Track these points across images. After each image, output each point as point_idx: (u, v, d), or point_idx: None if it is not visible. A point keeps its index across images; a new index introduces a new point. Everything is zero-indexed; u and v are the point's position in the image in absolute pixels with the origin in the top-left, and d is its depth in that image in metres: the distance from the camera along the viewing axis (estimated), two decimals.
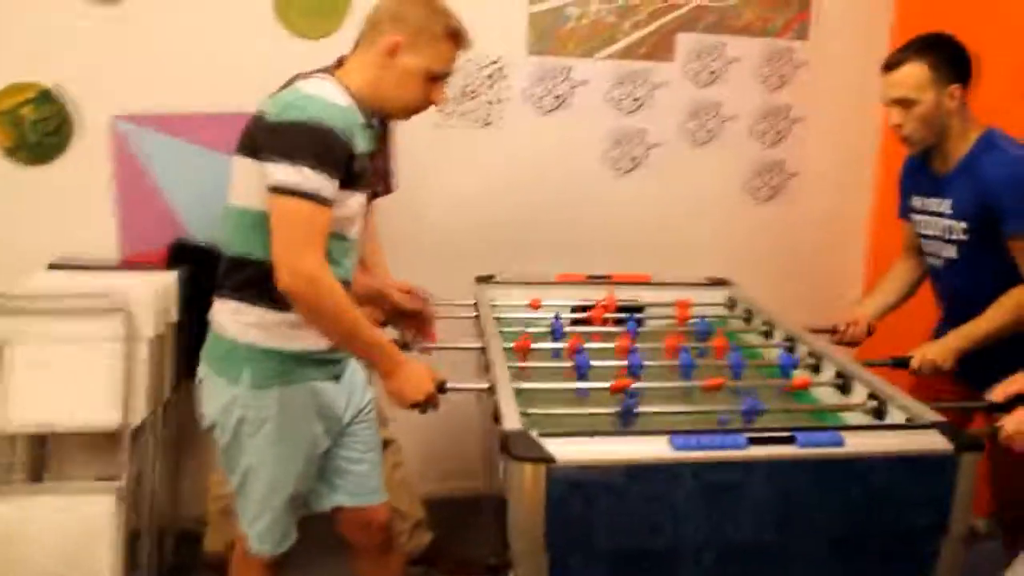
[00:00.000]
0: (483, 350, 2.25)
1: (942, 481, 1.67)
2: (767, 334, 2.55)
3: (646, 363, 2.17)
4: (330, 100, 1.78)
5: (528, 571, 1.58)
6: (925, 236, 2.42)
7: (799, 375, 2.23)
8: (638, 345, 2.30)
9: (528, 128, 3.31)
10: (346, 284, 1.92)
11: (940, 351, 2.25)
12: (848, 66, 3.54)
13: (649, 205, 3.48)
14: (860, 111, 3.59)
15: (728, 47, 3.43)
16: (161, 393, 2.81)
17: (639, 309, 2.75)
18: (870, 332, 2.56)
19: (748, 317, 2.70)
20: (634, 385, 2.01)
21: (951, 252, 2.33)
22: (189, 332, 2.83)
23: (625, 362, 2.19)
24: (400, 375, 1.87)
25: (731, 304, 2.84)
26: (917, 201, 2.44)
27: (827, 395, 2.14)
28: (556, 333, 2.46)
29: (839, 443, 1.64)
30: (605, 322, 2.62)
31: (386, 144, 2.75)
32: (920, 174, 2.43)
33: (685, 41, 3.38)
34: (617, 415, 1.87)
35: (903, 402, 1.89)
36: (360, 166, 1.85)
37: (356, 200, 1.89)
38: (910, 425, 1.78)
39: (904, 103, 2.22)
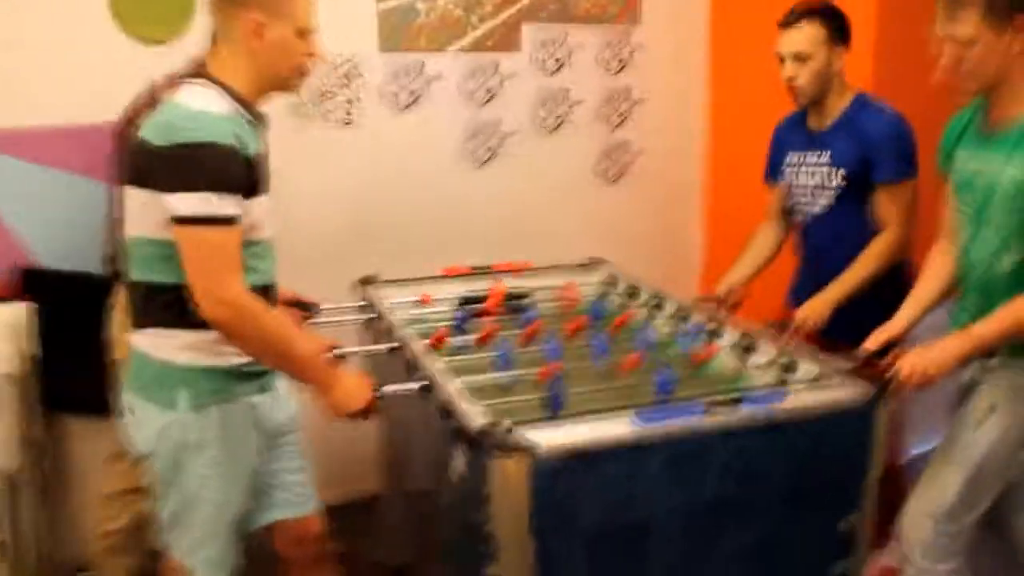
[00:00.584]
0: (398, 349, 2.22)
1: (866, 423, 1.83)
2: (657, 307, 2.66)
3: (561, 348, 2.22)
4: (216, 113, 1.70)
5: (514, 558, 1.59)
6: (800, 188, 2.62)
7: (703, 344, 2.36)
8: (541, 331, 2.36)
9: (387, 125, 3.27)
10: (269, 288, 1.85)
11: (815, 310, 2.41)
12: (677, 47, 3.75)
13: (509, 194, 3.53)
14: (690, 90, 3.81)
15: (570, 35, 3.53)
16: (32, 435, 2.57)
17: (526, 295, 2.79)
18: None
19: (633, 293, 2.80)
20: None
21: (825, 200, 2.54)
22: (52, 368, 2.62)
23: (538, 348, 2.24)
24: (337, 387, 1.83)
25: (612, 282, 2.94)
26: (794, 157, 2.65)
27: (733, 360, 2.27)
28: (460, 326, 2.46)
29: (780, 399, 1.75)
30: (500, 311, 2.65)
31: None
32: (796, 132, 2.65)
33: (530, 31, 3.45)
34: (547, 399, 1.90)
35: (807, 358, 2.05)
36: (260, 169, 1.79)
37: (262, 204, 1.81)
38: (828, 377, 1.91)
39: (800, 57, 2.42)
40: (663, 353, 2.30)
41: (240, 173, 1.70)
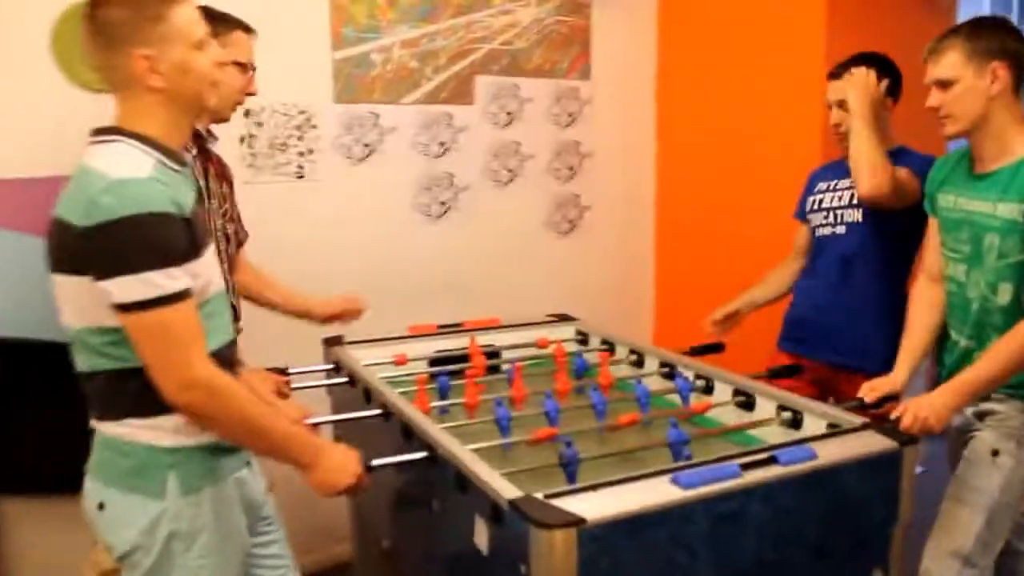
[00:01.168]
0: (386, 415, 2.08)
1: (893, 475, 1.79)
2: (638, 363, 2.60)
3: (558, 408, 2.13)
4: (140, 177, 1.49)
5: None
6: (822, 209, 2.67)
7: (696, 399, 2.30)
8: (529, 391, 2.26)
9: (341, 178, 3.15)
10: (230, 346, 1.71)
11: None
12: (625, 102, 3.76)
13: (464, 248, 3.45)
14: (638, 144, 3.83)
15: (522, 88, 3.50)
16: None
17: (496, 354, 2.69)
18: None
19: (610, 348, 2.73)
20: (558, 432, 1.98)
21: (856, 216, 2.58)
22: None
23: (534, 411, 2.14)
24: (323, 462, 1.68)
25: (583, 338, 2.87)
26: (822, 184, 2.71)
27: (731, 413, 2.21)
28: (443, 389, 2.34)
29: (813, 456, 1.70)
30: (481, 371, 2.54)
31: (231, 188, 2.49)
32: (831, 169, 2.72)
33: (483, 84, 3.41)
34: (561, 465, 1.80)
35: (811, 408, 2.02)
36: (200, 222, 1.62)
37: (207, 261, 1.63)
38: (850, 430, 1.87)
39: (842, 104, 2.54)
40: (659, 409, 2.23)
41: (181, 239, 1.51)
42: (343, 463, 1.70)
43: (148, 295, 1.45)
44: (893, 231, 2.52)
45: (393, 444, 2.02)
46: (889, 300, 2.53)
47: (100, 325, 1.53)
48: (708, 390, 2.32)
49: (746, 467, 1.64)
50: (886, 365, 2.24)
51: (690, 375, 2.37)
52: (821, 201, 2.67)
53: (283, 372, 2.33)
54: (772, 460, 1.67)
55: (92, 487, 1.64)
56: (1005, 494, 2.05)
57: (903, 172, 2.43)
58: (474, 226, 3.46)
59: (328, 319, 2.53)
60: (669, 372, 2.46)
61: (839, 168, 2.66)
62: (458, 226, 3.42)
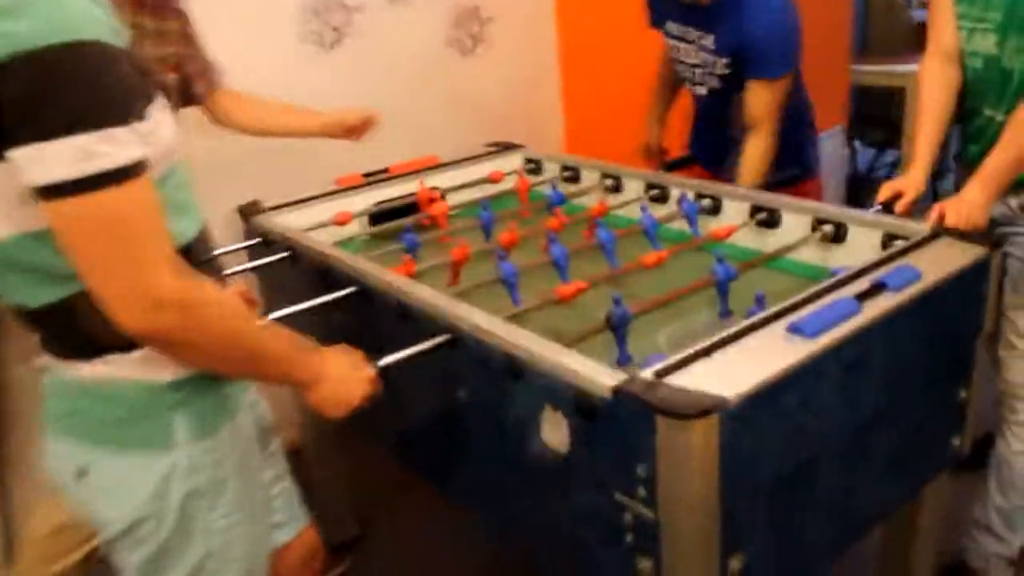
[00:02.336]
0: (362, 295, 1.67)
1: (982, 283, 1.57)
2: (616, 188, 2.26)
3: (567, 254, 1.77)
4: None
5: (690, 539, 1.18)
6: (683, 65, 2.31)
7: (705, 222, 2.00)
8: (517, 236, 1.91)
9: (213, 4, 2.53)
10: (203, 235, 1.25)
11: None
12: None
13: (364, 80, 2.92)
14: None
15: None
16: None
17: (442, 197, 2.29)
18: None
19: (574, 174, 2.37)
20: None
21: (712, 84, 2.27)
22: None
23: (533, 260, 1.79)
24: (329, 378, 1.28)
25: (535, 166, 2.49)
26: (674, 27, 2.29)
27: (753, 235, 1.92)
28: (411, 247, 1.92)
29: (918, 276, 1.43)
30: (445, 218, 2.14)
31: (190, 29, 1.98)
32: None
33: None
34: (611, 328, 1.46)
35: (852, 217, 1.77)
36: (142, 69, 1.09)
37: (161, 118, 1.12)
38: (923, 241, 1.62)
39: None
40: (674, 243, 1.91)
41: (131, 81, 1.02)
42: (351, 372, 1.31)
43: (84, 171, 0.96)
44: None
45: (382, 330, 1.63)
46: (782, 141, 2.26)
47: (31, 230, 1.04)
48: (715, 210, 2.02)
49: (861, 300, 1.35)
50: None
51: (689, 195, 2.05)
52: (678, 50, 2.30)
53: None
54: (880, 287, 1.39)
55: (64, 449, 1.20)
56: None
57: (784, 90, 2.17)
58: (373, 53, 2.93)
59: (349, 133, 2.20)
60: (661, 194, 2.13)
61: (688, 9, 2.21)
62: (355, 55, 2.88)
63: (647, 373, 1.18)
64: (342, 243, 2.03)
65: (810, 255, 1.81)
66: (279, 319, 1.59)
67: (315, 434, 2.29)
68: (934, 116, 1.99)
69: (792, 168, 2.27)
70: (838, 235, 1.79)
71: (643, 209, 1.91)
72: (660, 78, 2.49)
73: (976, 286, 1.54)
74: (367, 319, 1.69)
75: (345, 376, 1.30)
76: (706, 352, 1.23)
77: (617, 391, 1.16)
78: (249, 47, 2.62)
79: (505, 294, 1.66)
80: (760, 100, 2.16)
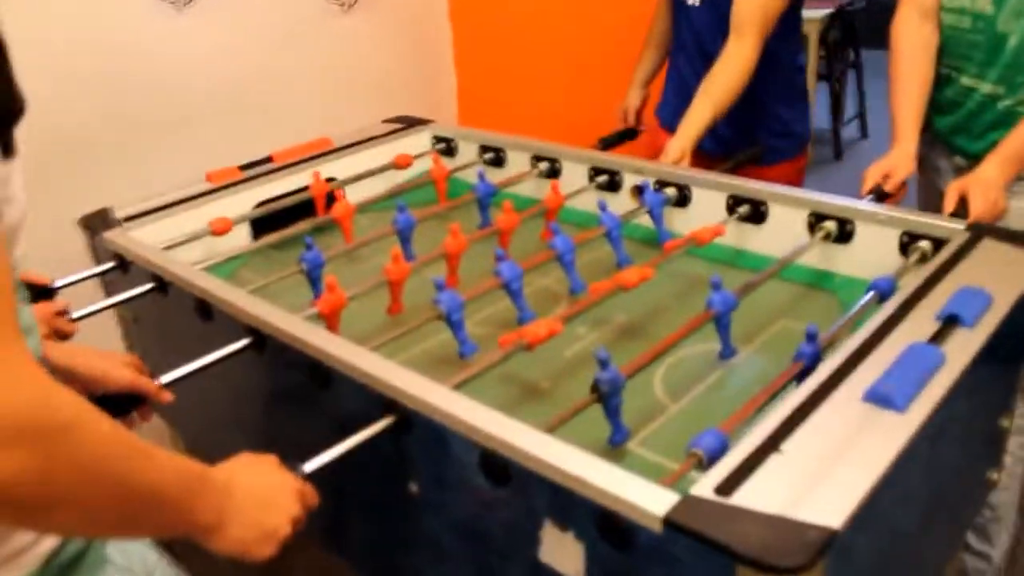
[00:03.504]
0: (257, 345, 1.25)
1: None
2: (553, 174, 1.88)
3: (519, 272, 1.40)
4: None
5: None
6: None
7: (682, 218, 1.66)
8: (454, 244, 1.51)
9: None
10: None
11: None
12: None
13: (229, 43, 2.43)
14: None
15: None
16: None
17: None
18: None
19: (499, 160, 1.98)
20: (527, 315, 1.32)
21: None
22: None
23: (474, 277, 1.41)
24: (242, 510, 0.86)
25: (448, 146, 2.08)
26: None
27: (737, 232, 1.60)
28: (313, 267, 1.50)
29: (989, 301, 1.13)
30: (347, 221, 1.72)
31: None
32: None
33: None
34: (599, 399, 1.10)
35: (858, 211, 1.46)
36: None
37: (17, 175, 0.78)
38: (966, 245, 1.32)
39: None
40: (645, 245, 1.57)
41: None
42: (269, 489, 0.90)
43: None
44: None
45: (296, 400, 1.22)
46: (777, 78, 1.96)
47: None
48: (683, 201, 1.68)
49: (937, 340, 1.04)
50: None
51: (647, 181, 1.70)
52: None
53: (48, 293, 1.37)
54: (953, 321, 1.08)
55: None
56: None
57: None
58: (236, 11, 2.43)
59: None
60: (611, 180, 1.78)
61: None
62: (214, 13, 2.38)
63: (705, 490, 0.83)
64: (223, 264, 1.59)
65: (807, 255, 1.50)
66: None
67: None
68: (916, 80, 1.72)
69: (778, 140, 1.94)
70: (843, 233, 1.47)
71: (602, 208, 1.54)
72: (649, 31, 2.20)
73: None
74: (275, 382, 1.27)
75: (264, 498, 0.89)
76: (772, 444, 0.89)
77: (671, 523, 0.80)
78: (86, 7, 2.09)
79: (447, 333, 1.28)
80: (754, 3, 1.80)
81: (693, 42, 2.00)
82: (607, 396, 1.08)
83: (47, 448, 0.61)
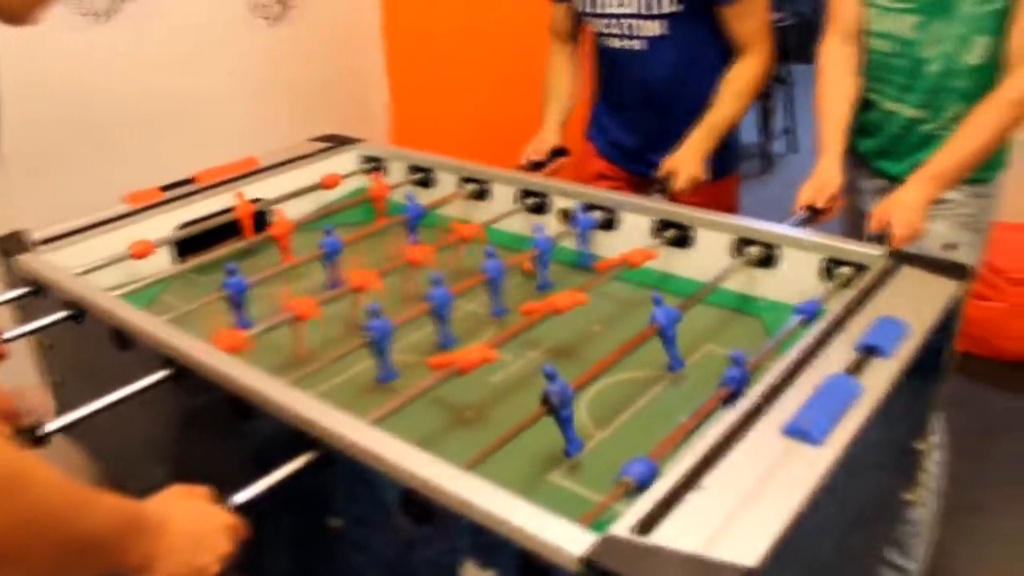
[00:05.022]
0: (176, 377, 1.22)
1: (952, 320, 1.32)
2: (481, 194, 1.88)
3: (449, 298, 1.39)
4: None
5: None
6: (609, 18, 1.92)
7: (608, 241, 1.67)
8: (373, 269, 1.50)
9: None
10: None
11: (691, 163, 1.82)
12: None
13: (150, 57, 2.38)
14: None
15: None
16: None
17: (262, 213, 1.84)
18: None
19: (427, 180, 1.97)
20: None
21: (656, 29, 1.88)
22: None
23: (401, 303, 1.40)
24: (174, 547, 0.85)
25: (378, 165, 2.07)
26: None
27: (670, 258, 1.61)
28: (237, 292, 1.48)
29: (905, 331, 1.16)
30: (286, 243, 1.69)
31: None
32: None
33: None
34: (551, 412, 1.11)
35: (784, 237, 1.49)
36: None
37: None
38: (884, 272, 1.35)
39: None
40: (574, 268, 1.57)
41: None
42: (200, 523, 0.89)
43: None
44: (709, 33, 1.90)
45: (207, 426, 1.20)
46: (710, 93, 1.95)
47: None
48: (609, 224, 1.69)
49: (854, 371, 1.06)
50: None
51: (573, 205, 1.71)
52: (596, 2, 1.93)
53: None
54: (871, 353, 1.10)
55: None
56: None
57: (765, 5, 1.88)
58: (158, 23, 2.38)
59: None
60: (539, 204, 1.78)
61: None
62: (136, 25, 2.32)
63: (623, 530, 0.83)
64: (143, 289, 1.55)
65: (732, 279, 1.52)
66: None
67: None
68: (840, 98, 1.77)
69: (719, 160, 1.95)
70: (767, 258, 1.50)
71: (538, 230, 1.55)
72: (555, 70, 2.11)
73: (948, 329, 1.29)
74: (196, 412, 1.24)
75: (194, 534, 0.88)
76: (692, 480, 0.89)
77: (590, 563, 0.80)
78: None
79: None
80: (752, 18, 1.85)
81: (641, 89, 1.99)
82: (557, 408, 1.08)
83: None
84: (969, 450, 2.47)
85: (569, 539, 0.82)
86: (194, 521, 0.88)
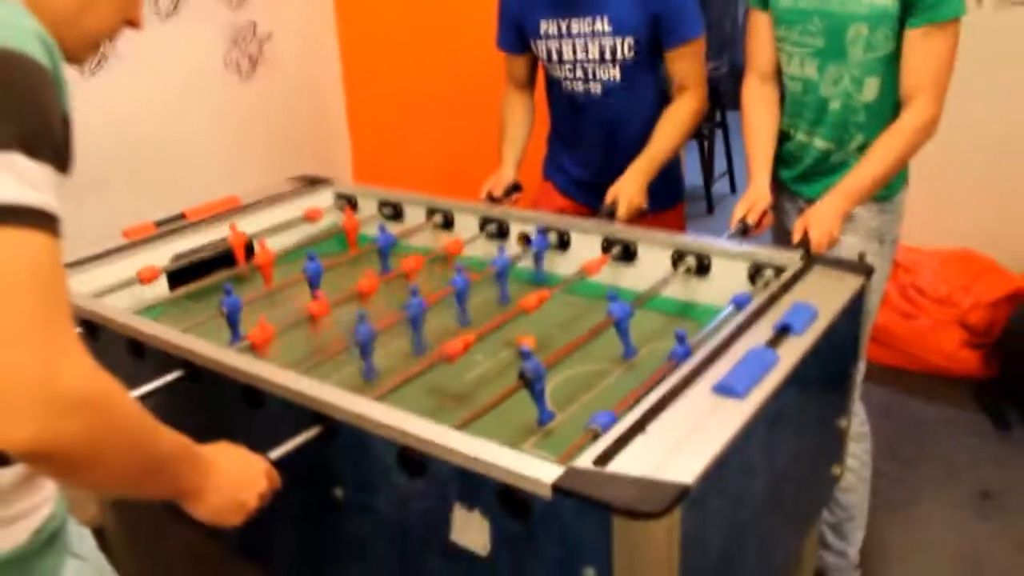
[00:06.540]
0: (191, 376, 1.39)
1: (859, 312, 1.55)
2: (446, 225, 2.08)
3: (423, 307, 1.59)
4: (14, 7, 0.83)
5: None
6: (569, 64, 2.14)
7: (553, 258, 1.88)
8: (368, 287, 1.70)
9: None
10: None
11: (634, 193, 2.00)
12: None
13: (135, 109, 2.57)
14: None
15: None
16: None
17: (250, 245, 2.02)
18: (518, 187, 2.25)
19: (397, 213, 2.17)
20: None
21: (614, 74, 2.11)
22: None
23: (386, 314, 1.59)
24: (220, 483, 1.02)
25: (351, 202, 2.26)
26: (549, 26, 2.12)
27: (610, 271, 1.82)
28: (232, 310, 1.65)
29: (816, 315, 1.37)
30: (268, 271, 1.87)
31: None
32: None
33: None
34: (526, 386, 1.30)
35: (714, 248, 1.72)
36: (69, 140, 0.87)
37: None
38: (799, 272, 1.57)
39: None
40: (527, 283, 1.77)
41: (59, 125, 0.82)
42: (242, 467, 1.07)
43: (26, 199, 0.75)
44: (657, 78, 2.16)
45: (226, 421, 1.37)
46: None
47: None
48: (564, 245, 1.90)
49: (773, 346, 1.28)
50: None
51: (530, 230, 1.92)
52: (559, 52, 2.11)
53: None
54: (786, 330, 1.32)
55: None
56: (874, 294, 1.94)
57: (702, 51, 2.11)
58: (141, 78, 2.58)
59: None
60: (499, 230, 1.98)
61: (564, 0, 2.06)
62: (120, 80, 2.52)
63: (585, 462, 1.02)
64: (141, 313, 1.71)
65: (672, 289, 1.73)
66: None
67: (119, 512, 1.94)
68: (762, 129, 2.01)
69: (664, 192, 2.17)
70: (701, 267, 1.71)
71: (500, 251, 1.75)
72: (512, 113, 2.29)
73: (855, 316, 1.52)
74: (200, 408, 1.41)
75: (238, 475, 1.05)
76: (640, 426, 1.09)
77: (559, 488, 0.99)
78: None
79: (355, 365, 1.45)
80: (690, 63, 2.08)
81: (598, 128, 2.20)
82: (532, 382, 1.27)
83: (96, 416, 0.77)
84: (902, 454, 2.72)
85: (541, 472, 1.01)
86: (238, 463, 1.06)
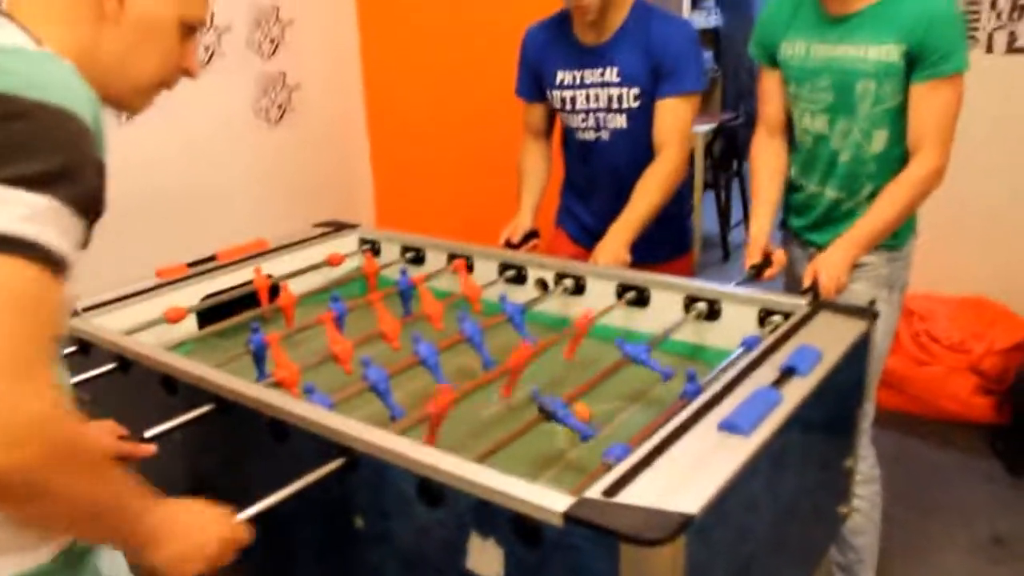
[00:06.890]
0: (223, 409, 1.46)
1: (864, 356, 1.60)
2: (469, 268, 2.15)
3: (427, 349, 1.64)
4: (62, 63, 0.91)
5: None
6: (581, 112, 2.24)
7: (577, 304, 1.94)
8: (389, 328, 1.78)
9: None
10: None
11: (617, 252, 2.03)
12: None
13: (162, 153, 2.68)
14: (339, 8, 3.23)
15: None
16: None
17: (276, 287, 2.09)
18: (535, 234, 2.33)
19: (419, 257, 2.25)
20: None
21: (621, 122, 2.20)
22: None
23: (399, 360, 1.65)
24: (177, 526, 1.03)
25: (374, 247, 2.34)
26: (565, 76, 2.22)
27: (624, 314, 1.88)
28: (259, 349, 1.72)
29: (820, 357, 1.43)
30: (290, 313, 1.95)
31: None
32: (561, 47, 2.23)
33: None
34: (546, 415, 1.36)
35: (726, 294, 1.77)
36: (102, 186, 0.94)
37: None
38: (806, 317, 1.63)
39: None
40: (545, 327, 1.84)
41: (95, 179, 0.90)
42: (202, 520, 1.07)
43: (25, 232, 0.81)
44: None
45: (251, 452, 1.43)
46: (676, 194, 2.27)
47: None
48: (579, 290, 1.96)
49: (778, 386, 1.33)
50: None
51: (547, 276, 1.99)
52: (573, 100, 2.22)
53: None
54: (791, 371, 1.37)
55: None
56: (884, 339, 2.00)
57: (693, 109, 2.18)
58: (174, 127, 2.69)
59: None
60: (518, 275, 2.05)
61: (572, 47, 2.20)
62: (153, 128, 2.62)
63: (595, 493, 1.07)
64: (176, 346, 1.79)
65: (684, 332, 1.79)
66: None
67: None
68: (769, 187, 2.08)
69: (673, 243, 2.25)
70: (712, 311, 1.77)
71: (502, 298, 1.81)
72: (530, 161, 2.37)
73: (860, 359, 1.57)
74: (228, 440, 1.47)
75: (196, 525, 1.06)
76: (648, 460, 1.14)
77: (570, 517, 1.04)
78: None
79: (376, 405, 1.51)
80: (675, 116, 2.12)
81: (608, 176, 2.28)
82: (552, 413, 1.34)
83: (49, 449, 0.80)
84: (915, 500, 2.73)
85: (553, 501, 1.06)
86: (197, 515, 1.07)
